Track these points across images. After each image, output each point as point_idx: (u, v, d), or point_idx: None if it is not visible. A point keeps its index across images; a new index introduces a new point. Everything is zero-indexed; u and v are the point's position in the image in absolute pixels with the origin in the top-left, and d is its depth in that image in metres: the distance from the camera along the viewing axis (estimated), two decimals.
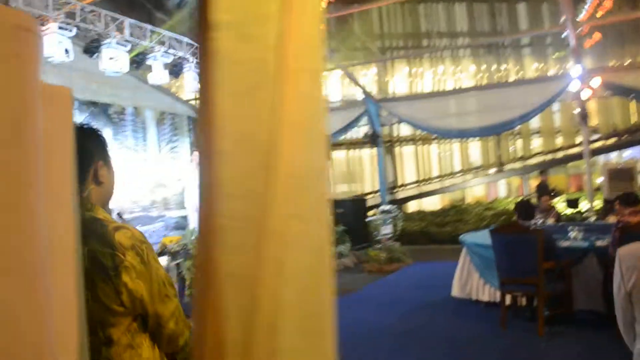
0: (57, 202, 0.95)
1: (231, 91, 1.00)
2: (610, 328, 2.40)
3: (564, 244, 5.45)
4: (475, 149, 17.27)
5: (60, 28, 6.20)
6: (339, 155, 16.82)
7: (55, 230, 0.91)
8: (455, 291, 6.20)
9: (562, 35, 10.20)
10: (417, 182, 16.85)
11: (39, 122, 0.84)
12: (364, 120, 12.38)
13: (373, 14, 16.42)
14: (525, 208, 5.09)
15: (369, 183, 16.82)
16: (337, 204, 11.52)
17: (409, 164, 16.99)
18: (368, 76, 16.82)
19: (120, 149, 10.01)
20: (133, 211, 10.20)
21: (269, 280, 0.95)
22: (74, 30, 6.50)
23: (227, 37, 0.92)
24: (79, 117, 8.40)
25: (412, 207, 16.71)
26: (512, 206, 9.30)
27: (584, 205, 11.50)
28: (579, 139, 16.81)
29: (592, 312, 5.11)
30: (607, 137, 16.53)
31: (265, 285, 0.94)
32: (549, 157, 16.74)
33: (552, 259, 4.92)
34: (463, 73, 17.27)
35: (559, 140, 17.16)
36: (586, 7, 10.14)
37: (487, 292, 5.74)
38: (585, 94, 10.31)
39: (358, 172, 17.14)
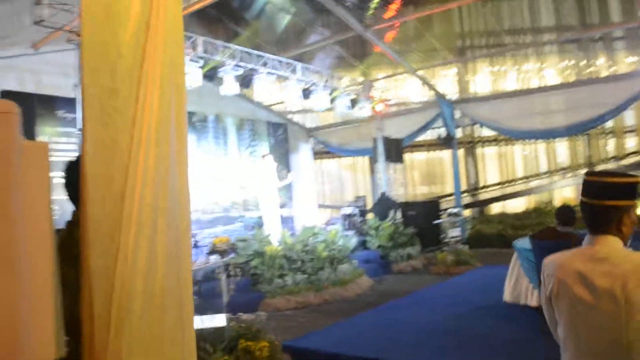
0: (35, 223, 1.42)
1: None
2: None
3: None
4: (563, 149, 16.62)
5: None
6: (419, 156, 16.87)
7: (33, 240, 1.37)
8: (506, 295, 6.25)
9: None
10: (500, 183, 16.53)
11: (19, 176, 1.32)
12: (440, 122, 12.43)
13: (453, 14, 16.27)
14: (564, 213, 5.07)
15: (449, 185, 16.72)
16: (409, 206, 11.69)
17: (492, 165, 16.69)
18: (449, 77, 16.71)
19: (203, 154, 10.84)
20: (214, 211, 11.01)
21: (123, 271, 1.36)
22: None
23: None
24: None
25: (495, 209, 16.44)
26: None
27: None
28: None
29: None
30: None
31: (119, 275, 1.36)
32: None
33: None
34: (549, 70, 16.68)
35: None
36: None
37: (535, 297, 5.76)
38: None
39: (439, 173, 17.07)
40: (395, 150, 12.17)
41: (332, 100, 10.31)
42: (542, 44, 15.85)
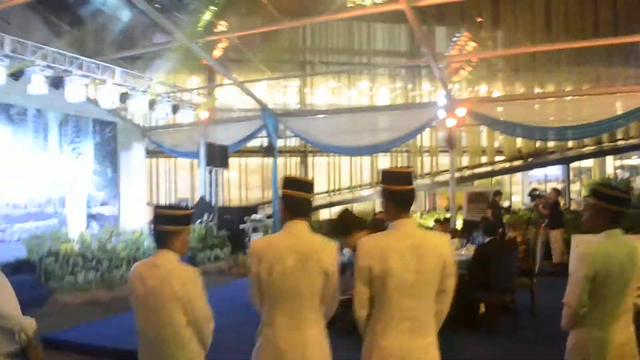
0: None
1: None
2: None
3: None
4: (386, 162, 18.37)
5: None
6: (254, 161, 17.71)
7: None
8: None
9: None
10: (327, 192, 17.92)
11: None
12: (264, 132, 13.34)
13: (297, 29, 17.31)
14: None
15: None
16: (225, 210, 12.47)
17: (322, 173, 18.01)
18: (289, 88, 17.82)
19: (20, 149, 10.76)
20: (27, 207, 10.98)
21: None
22: None
23: None
24: None
25: (323, 215, 17.78)
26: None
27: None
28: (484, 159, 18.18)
29: None
30: (512, 160, 17.89)
31: None
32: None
33: None
34: (382, 89, 18.42)
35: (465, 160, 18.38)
36: (452, 45, 11.32)
37: None
38: (451, 122, 11.46)
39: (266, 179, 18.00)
40: (220, 155, 12.86)
41: (151, 105, 10.73)
42: (375, 67, 17.50)
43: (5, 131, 10.48)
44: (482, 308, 6.76)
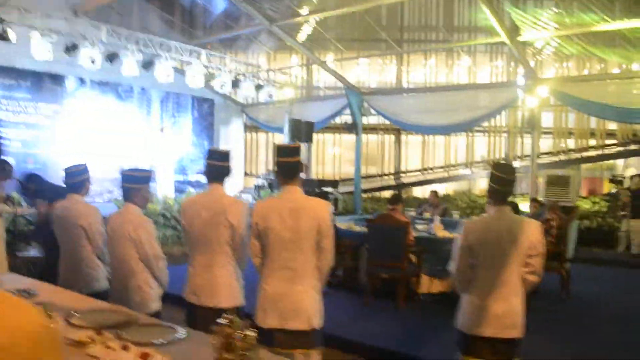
0: None
1: None
2: None
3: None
4: (483, 144, 18.01)
5: None
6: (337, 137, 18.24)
7: None
8: None
9: None
10: (420, 170, 18.04)
11: None
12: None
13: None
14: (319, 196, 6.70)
15: (386, 166, 18.31)
16: (305, 182, 13.22)
17: (415, 152, 18.15)
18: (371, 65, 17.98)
19: (128, 121, 12.34)
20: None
21: None
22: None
23: None
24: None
25: (415, 193, 17.97)
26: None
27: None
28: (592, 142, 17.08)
29: None
30: (624, 144, 16.67)
31: None
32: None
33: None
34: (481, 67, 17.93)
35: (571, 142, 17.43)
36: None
37: None
38: (532, 102, 11.08)
39: (377, 156, 18.51)
40: (305, 131, 13.63)
41: (235, 84, 11.72)
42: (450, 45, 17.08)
43: (115, 106, 12.08)
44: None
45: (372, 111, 13.95)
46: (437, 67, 18.02)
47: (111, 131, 11.74)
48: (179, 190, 12.44)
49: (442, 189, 17.57)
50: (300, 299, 3.06)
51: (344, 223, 7.91)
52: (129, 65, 9.83)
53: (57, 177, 4.94)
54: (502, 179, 3.14)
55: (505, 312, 3.09)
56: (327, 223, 3.10)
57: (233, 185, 14.31)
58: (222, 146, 14.69)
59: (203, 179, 14.18)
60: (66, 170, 4.11)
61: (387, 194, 16.88)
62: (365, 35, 15.29)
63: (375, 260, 6.56)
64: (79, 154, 10.53)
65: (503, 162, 2.84)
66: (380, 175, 18.34)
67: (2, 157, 6.48)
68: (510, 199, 3.26)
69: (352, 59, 16.40)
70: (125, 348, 2.16)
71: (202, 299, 3.43)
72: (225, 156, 3.51)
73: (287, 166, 3.15)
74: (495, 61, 17.63)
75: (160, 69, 10.24)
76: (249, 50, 15.66)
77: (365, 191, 15.74)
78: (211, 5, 12.17)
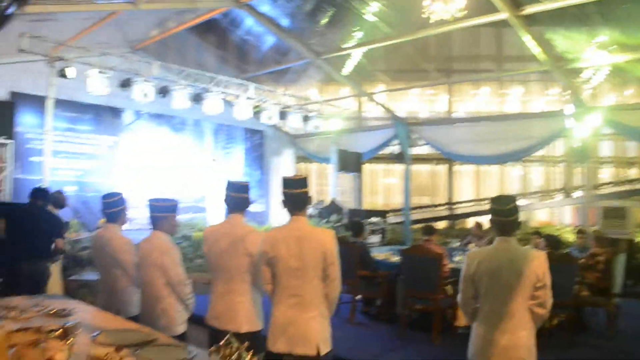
0: None
1: None
2: None
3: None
4: (538, 174, 17.58)
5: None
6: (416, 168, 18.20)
7: None
8: None
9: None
10: (473, 200, 17.75)
11: None
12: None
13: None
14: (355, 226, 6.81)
15: (440, 196, 18.15)
16: (355, 212, 13.32)
17: (468, 182, 17.91)
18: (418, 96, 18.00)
19: (182, 152, 12.90)
20: (183, 201, 13.05)
21: None
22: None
23: None
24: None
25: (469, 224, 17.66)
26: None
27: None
28: None
29: None
30: None
31: None
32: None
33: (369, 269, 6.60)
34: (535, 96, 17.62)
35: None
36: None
37: None
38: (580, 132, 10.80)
39: (433, 186, 18.38)
40: (353, 162, 13.81)
41: (283, 116, 12.09)
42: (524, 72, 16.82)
43: (169, 138, 12.67)
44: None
45: (422, 141, 13.96)
46: (490, 95, 17.86)
47: (165, 161, 12.31)
48: None
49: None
50: (308, 326, 3.15)
51: (381, 253, 7.92)
52: (179, 98, 10.37)
53: None
54: (499, 210, 3.17)
55: (512, 345, 3.03)
56: (332, 251, 3.20)
57: (280, 213, 14.55)
58: (274, 175, 15.07)
59: (256, 208, 14.96)
60: (103, 199, 4.37)
61: (441, 224, 16.70)
62: (413, 66, 15.45)
63: (410, 291, 6.56)
64: (135, 183, 11.14)
65: (502, 195, 2.89)
66: (433, 206, 18.17)
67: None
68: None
69: (401, 90, 16.52)
70: None
71: (223, 324, 3.57)
72: (243, 188, 3.71)
73: (293, 197, 3.29)
74: (550, 89, 17.29)
75: (209, 102, 10.73)
76: (299, 83, 16.07)
77: (417, 222, 15.63)
78: (261, 41, 12.64)
